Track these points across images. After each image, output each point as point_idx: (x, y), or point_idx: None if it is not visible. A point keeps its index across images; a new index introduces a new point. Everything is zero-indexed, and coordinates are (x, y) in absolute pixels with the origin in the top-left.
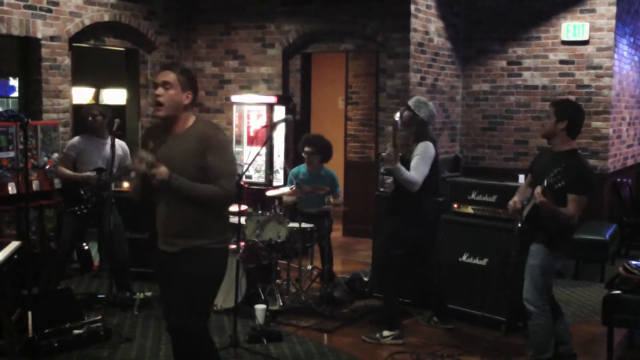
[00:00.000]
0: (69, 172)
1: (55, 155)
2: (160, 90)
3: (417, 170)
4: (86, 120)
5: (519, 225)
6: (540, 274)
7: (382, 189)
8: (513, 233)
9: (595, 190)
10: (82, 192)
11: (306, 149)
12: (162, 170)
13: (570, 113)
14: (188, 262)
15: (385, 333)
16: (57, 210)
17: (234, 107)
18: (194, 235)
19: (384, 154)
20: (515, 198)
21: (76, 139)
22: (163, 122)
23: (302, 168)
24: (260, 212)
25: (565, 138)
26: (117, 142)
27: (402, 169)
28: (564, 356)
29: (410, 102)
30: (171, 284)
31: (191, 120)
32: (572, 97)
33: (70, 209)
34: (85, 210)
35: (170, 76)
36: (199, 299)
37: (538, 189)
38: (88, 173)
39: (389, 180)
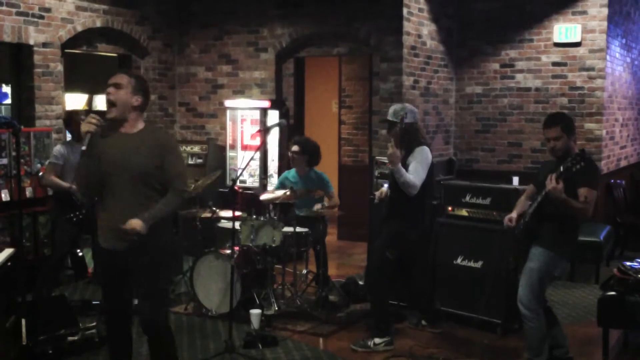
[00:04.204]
0: (62, 182)
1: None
2: (111, 89)
3: (417, 174)
4: (77, 125)
5: (522, 225)
6: (538, 277)
7: (371, 196)
8: (513, 235)
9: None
10: (74, 199)
11: (293, 148)
12: (135, 222)
13: (572, 123)
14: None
15: (377, 340)
16: (50, 217)
17: (228, 111)
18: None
19: (379, 158)
20: (513, 214)
21: (61, 147)
22: (112, 122)
23: (292, 171)
24: (254, 216)
25: (572, 147)
26: None
27: (403, 170)
28: (560, 359)
29: (390, 117)
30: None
31: (140, 124)
32: (565, 99)
33: (66, 217)
34: (80, 217)
35: (123, 78)
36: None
37: (552, 176)
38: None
39: (384, 187)
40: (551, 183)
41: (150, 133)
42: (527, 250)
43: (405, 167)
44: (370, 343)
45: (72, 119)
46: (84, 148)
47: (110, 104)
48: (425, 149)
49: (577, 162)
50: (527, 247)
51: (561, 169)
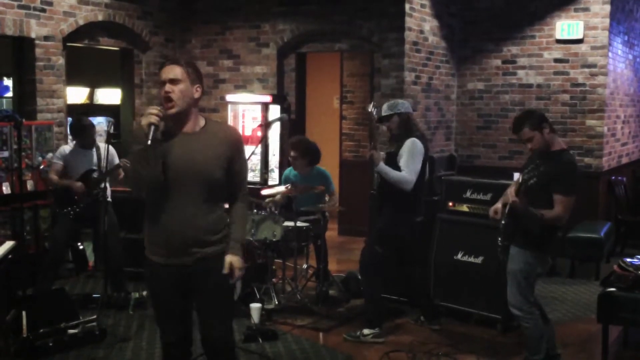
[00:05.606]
0: (56, 178)
1: (50, 155)
2: (169, 87)
3: (408, 168)
4: (89, 134)
5: (503, 222)
6: (522, 277)
7: (372, 191)
8: (498, 229)
9: (578, 189)
10: (72, 193)
11: (292, 153)
12: (235, 263)
13: (538, 117)
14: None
15: (366, 331)
16: (51, 211)
17: (229, 106)
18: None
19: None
20: (498, 204)
21: (65, 148)
22: (173, 120)
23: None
24: (255, 211)
25: (553, 138)
26: (103, 145)
27: (387, 169)
28: (549, 356)
29: (386, 111)
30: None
31: (202, 119)
32: (567, 96)
33: (64, 210)
34: (78, 210)
35: (178, 70)
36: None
37: (511, 188)
38: (77, 183)
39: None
40: (512, 196)
41: (217, 130)
42: (509, 245)
43: (396, 160)
44: (359, 333)
45: (85, 130)
46: (149, 143)
47: (170, 101)
48: (415, 140)
49: (531, 177)
50: (510, 241)
51: (519, 180)
